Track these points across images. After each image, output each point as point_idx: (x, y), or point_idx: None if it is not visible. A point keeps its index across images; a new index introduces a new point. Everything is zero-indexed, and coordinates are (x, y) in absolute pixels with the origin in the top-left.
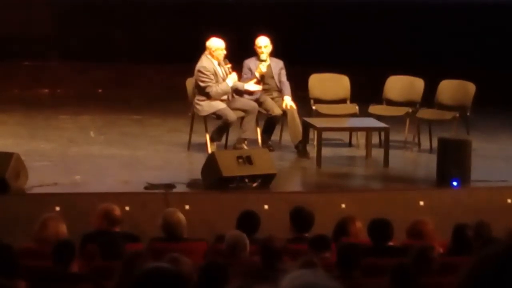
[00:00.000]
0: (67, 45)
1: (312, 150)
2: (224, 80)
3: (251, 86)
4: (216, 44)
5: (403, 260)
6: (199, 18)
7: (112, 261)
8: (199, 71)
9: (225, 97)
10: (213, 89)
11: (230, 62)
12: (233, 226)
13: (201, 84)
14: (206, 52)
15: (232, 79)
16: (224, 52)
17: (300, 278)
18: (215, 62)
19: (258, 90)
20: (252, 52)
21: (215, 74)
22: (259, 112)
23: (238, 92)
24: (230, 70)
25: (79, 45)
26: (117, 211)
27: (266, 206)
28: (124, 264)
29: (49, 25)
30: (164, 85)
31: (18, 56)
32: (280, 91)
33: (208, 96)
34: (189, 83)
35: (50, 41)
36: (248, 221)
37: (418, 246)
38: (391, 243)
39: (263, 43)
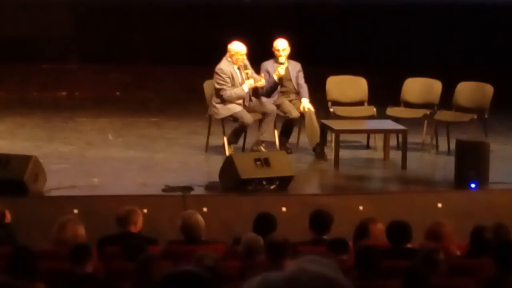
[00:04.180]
0: (86, 48)
1: (329, 152)
2: (241, 85)
3: (248, 84)
4: (236, 48)
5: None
6: (217, 20)
7: (132, 263)
8: (216, 72)
9: (241, 100)
10: (227, 92)
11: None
12: (251, 229)
13: (217, 86)
14: (227, 55)
15: (248, 85)
16: (244, 57)
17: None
18: (235, 66)
19: (261, 85)
20: (270, 55)
21: (232, 77)
22: (276, 114)
23: (256, 94)
24: (249, 75)
25: (97, 48)
26: (138, 214)
27: (284, 209)
28: (139, 266)
29: (68, 28)
30: (181, 87)
31: (37, 59)
32: (298, 94)
33: (223, 99)
34: (207, 85)
35: (69, 43)
36: (264, 224)
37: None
38: (409, 245)
39: (282, 46)
